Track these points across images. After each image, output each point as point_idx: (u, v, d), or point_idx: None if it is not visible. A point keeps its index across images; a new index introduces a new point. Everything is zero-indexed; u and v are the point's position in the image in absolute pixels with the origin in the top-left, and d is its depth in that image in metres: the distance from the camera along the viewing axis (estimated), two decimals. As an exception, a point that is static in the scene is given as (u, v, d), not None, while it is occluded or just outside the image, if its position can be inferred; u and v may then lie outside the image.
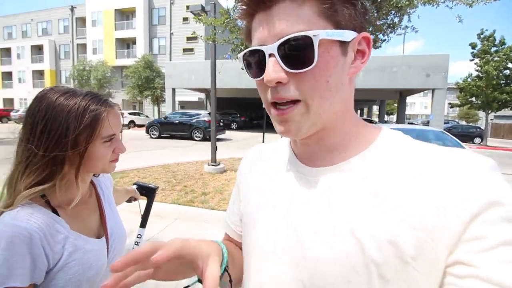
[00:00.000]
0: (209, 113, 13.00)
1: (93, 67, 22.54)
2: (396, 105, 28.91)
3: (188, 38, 25.45)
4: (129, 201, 1.29)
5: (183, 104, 26.02)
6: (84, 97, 0.66)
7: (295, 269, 0.39)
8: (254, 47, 0.38)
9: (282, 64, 0.35)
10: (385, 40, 5.09)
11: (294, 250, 0.40)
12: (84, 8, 29.96)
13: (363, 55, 0.39)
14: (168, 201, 3.94)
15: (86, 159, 0.66)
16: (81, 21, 31.08)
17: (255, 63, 0.39)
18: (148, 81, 21.21)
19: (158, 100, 22.19)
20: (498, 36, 15.34)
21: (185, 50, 26.39)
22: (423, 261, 0.31)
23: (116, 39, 28.76)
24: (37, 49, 32.61)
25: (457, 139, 4.65)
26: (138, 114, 21.79)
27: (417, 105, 56.20)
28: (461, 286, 0.29)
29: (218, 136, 14.22)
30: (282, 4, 0.35)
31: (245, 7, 0.38)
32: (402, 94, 19.72)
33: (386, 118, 39.33)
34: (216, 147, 5.82)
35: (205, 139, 12.13)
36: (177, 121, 13.12)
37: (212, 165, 5.72)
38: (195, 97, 24.03)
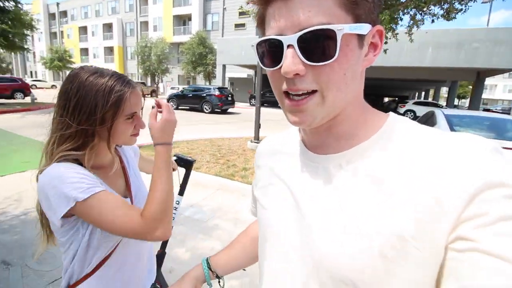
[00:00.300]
0: (219, 88, 14.33)
1: (153, 44, 24.20)
2: (470, 87, 24.76)
3: (240, 13, 25.20)
4: None
5: (233, 81, 26.51)
6: (110, 77, 0.74)
7: (304, 266, 0.42)
8: (271, 36, 0.37)
9: (301, 56, 0.35)
10: (461, 10, 4.32)
11: (303, 246, 0.42)
12: (147, -15, 31.66)
13: (375, 48, 0.40)
14: (212, 173, 4.22)
15: (112, 133, 0.75)
16: (144, -1, 33.08)
17: (270, 52, 0.38)
18: (201, 57, 22.02)
19: (209, 76, 23.03)
20: None
21: (236, 25, 26.34)
22: (423, 239, 0.32)
23: (174, 16, 30.02)
24: (108, 27, 36.09)
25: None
26: (191, 89, 23.02)
27: (499, 88, 47.30)
28: (461, 260, 0.29)
29: (229, 110, 15.20)
30: None
31: None
32: (480, 75, 16.77)
33: (456, 102, 34.16)
34: (260, 124, 5.90)
35: (213, 111, 13.59)
36: (190, 95, 14.40)
37: (255, 142, 5.86)
38: (244, 73, 24.23)
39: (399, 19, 5.09)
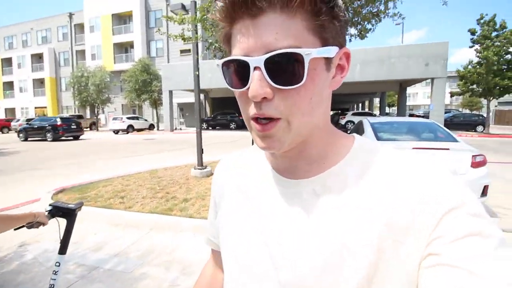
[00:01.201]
0: (61, 118, 16.31)
1: (91, 73, 22.55)
2: (397, 96, 28.44)
3: (185, 39, 25.34)
4: (31, 227, 1.15)
5: (182, 106, 25.99)
6: None
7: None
8: (237, 57, 0.35)
9: (269, 79, 0.34)
10: (370, 29, 4.87)
11: (277, 271, 0.40)
12: (82, 14, 30.09)
13: (343, 70, 0.40)
14: (146, 210, 3.80)
15: None
16: (80, 27, 31.28)
17: (236, 73, 0.37)
18: (146, 85, 21.18)
19: (156, 103, 22.16)
20: (499, 20, 14.81)
21: (182, 51, 26.31)
22: (400, 262, 0.33)
23: (114, 43, 28.86)
24: (37, 58, 32.97)
25: (448, 130, 4.42)
26: (137, 118, 21.82)
27: (419, 95, 55.13)
28: (429, 275, 0.31)
29: (76, 135, 16.48)
30: (271, 14, 0.33)
31: (226, 10, 0.35)
32: (402, 85, 19.29)
33: (387, 110, 38.66)
34: (202, 150, 5.68)
35: (56, 139, 15.20)
36: (36, 126, 15.90)
37: (198, 169, 5.58)
38: (193, 98, 23.91)
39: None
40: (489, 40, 14.71)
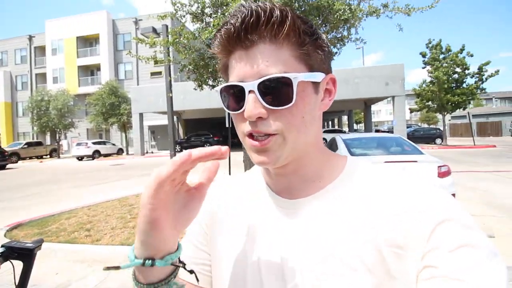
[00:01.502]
0: None
1: (53, 96, 21.22)
2: (363, 114, 30.26)
3: (155, 62, 25.16)
4: None
5: (153, 129, 25.24)
6: None
7: None
8: (234, 82, 0.40)
9: (262, 101, 0.38)
10: (336, 53, 5.21)
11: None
12: (44, 36, 28.81)
13: (330, 94, 0.44)
14: (116, 243, 3.48)
15: None
16: (40, 50, 29.79)
17: (234, 97, 0.41)
18: (114, 108, 20.35)
19: (125, 127, 21.28)
20: (444, 44, 16.75)
21: (153, 73, 25.98)
22: (403, 274, 0.35)
23: (79, 66, 27.78)
24: (-10, 82, 30.44)
25: (413, 144, 4.73)
26: (104, 143, 20.71)
27: (382, 112, 59.50)
28: (426, 287, 0.33)
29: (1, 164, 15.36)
30: (262, 46, 0.38)
31: (223, 44, 0.40)
32: (366, 103, 20.66)
33: (355, 127, 40.98)
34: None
35: None
36: None
37: (174, 193, 5.31)
38: (165, 120, 23.35)
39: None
40: (438, 62, 16.49)
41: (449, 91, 16.58)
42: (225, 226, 0.50)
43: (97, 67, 27.70)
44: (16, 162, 18.67)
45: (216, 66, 3.84)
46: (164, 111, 19.59)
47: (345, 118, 39.26)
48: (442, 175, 3.69)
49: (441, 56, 16.73)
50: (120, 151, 21.33)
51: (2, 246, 1.10)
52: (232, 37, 0.38)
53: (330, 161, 0.46)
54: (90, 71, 28.47)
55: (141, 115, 19.11)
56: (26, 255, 1.11)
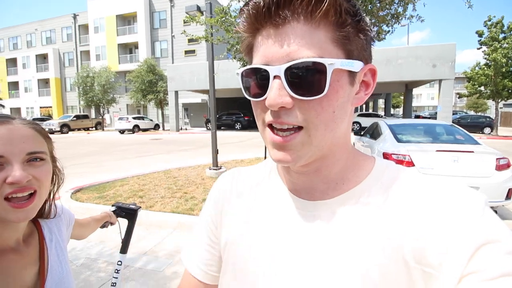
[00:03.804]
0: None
1: (96, 73, 22.65)
2: (402, 97, 28.28)
3: (190, 40, 25.44)
4: (104, 226, 1.16)
5: (187, 106, 26.03)
6: None
7: None
8: (257, 65, 0.35)
9: (288, 89, 0.33)
10: (389, 31, 4.86)
11: None
12: (87, 15, 30.23)
13: (367, 87, 0.38)
14: (167, 210, 3.82)
15: None
16: (84, 28, 31.38)
17: (256, 82, 0.36)
18: (151, 85, 21.23)
19: (161, 104, 22.21)
20: (506, 22, 14.75)
21: (187, 52, 26.37)
22: None
23: (119, 44, 28.93)
24: (42, 58, 33.09)
25: (468, 133, 4.38)
26: (142, 118, 21.87)
27: (423, 96, 55.05)
28: None
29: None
30: (295, 24, 0.32)
31: (250, 20, 0.35)
32: (408, 86, 19.25)
33: (392, 111, 38.61)
34: (217, 150, 5.69)
35: None
36: None
37: (214, 169, 5.59)
38: (198, 98, 24.00)
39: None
40: (497, 42, 14.64)
41: (507, 76, 14.79)
42: (234, 219, 0.47)
43: (135, 45, 28.68)
44: (67, 132, 20.61)
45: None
46: (198, 90, 20.06)
47: (381, 102, 37.05)
48: (500, 168, 3.43)
49: (501, 36, 14.80)
50: (156, 127, 22.46)
51: (113, 205, 1.29)
52: (261, 12, 0.33)
53: (357, 162, 0.41)
54: (129, 49, 29.59)
55: (176, 93, 19.74)
56: (131, 215, 1.30)
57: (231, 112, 21.42)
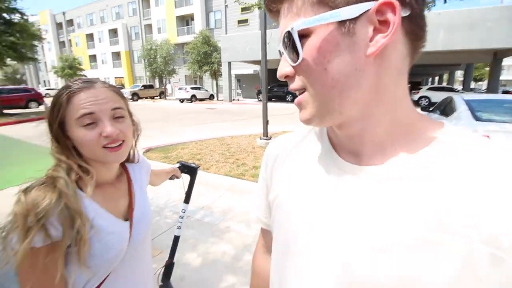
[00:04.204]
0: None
1: (159, 46, 24.30)
2: (487, 69, 23.67)
3: (243, 9, 24.98)
4: (171, 178, 1.37)
5: (239, 77, 26.39)
6: (67, 84, 0.67)
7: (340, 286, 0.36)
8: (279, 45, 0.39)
9: (288, 59, 0.37)
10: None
11: (339, 268, 0.36)
12: (148, -12, 31.79)
13: (387, 26, 0.32)
14: (221, 173, 4.16)
15: (77, 146, 0.66)
16: (146, 2, 33.22)
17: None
18: (206, 56, 21.93)
19: (216, 74, 22.95)
20: None
21: (240, 22, 26.08)
22: (498, 280, 0.28)
23: (177, 16, 30.04)
24: (113, 33, 36.54)
25: None
26: (199, 88, 23.07)
27: (517, 67, 45.21)
28: None
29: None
30: (287, 2, 0.37)
31: (268, 7, 0.40)
32: (497, 55, 15.97)
33: (472, 85, 32.86)
34: (268, 121, 5.79)
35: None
36: None
37: (264, 139, 5.76)
38: (250, 69, 24.04)
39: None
40: None
41: None
42: (283, 181, 0.48)
43: (191, 17, 29.41)
44: (137, 100, 23.11)
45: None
46: (250, 60, 20.04)
47: (459, 74, 31.72)
48: None
49: None
50: (211, 97, 23.53)
51: (178, 162, 1.50)
52: None
53: (415, 125, 0.37)
54: (185, 21, 30.56)
55: (229, 64, 20.06)
56: (192, 171, 1.50)
57: (282, 83, 21.03)
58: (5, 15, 10.83)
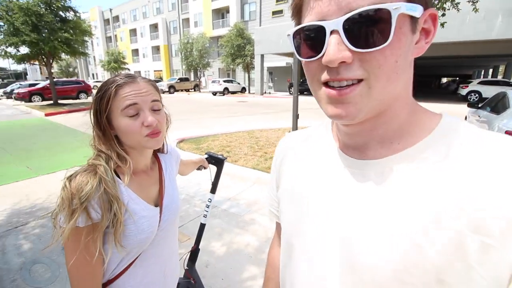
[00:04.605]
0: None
1: (195, 39, 25.02)
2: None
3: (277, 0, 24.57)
4: (199, 169, 1.43)
5: (271, 70, 26.19)
6: (112, 78, 0.73)
7: (345, 275, 0.38)
8: (312, 22, 0.33)
9: (347, 42, 0.31)
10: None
11: (342, 254, 0.38)
12: (187, -17, 32.65)
13: (428, 35, 0.35)
14: (249, 166, 4.23)
15: (121, 134, 0.73)
16: (185, -4, 34.25)
17: (309, 41, 0.34)
18: (240, 49, 22.08)
19: (248, 68, 23.05)
20: None
21: (274, 13, 25.69)
22: (489, 268, 0.29)
23: (213, 10, 30.52)
24: (154, 28, 38.38)
25: None
26: (231, 81, 23.40)
27: None
28: None
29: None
30: None
31: None
32: None
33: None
34: (298, 115, 5.70)
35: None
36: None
37: (293, 133, 5.69)
38: (283, 62, 23.70)
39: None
40: None
41: None
42: (290, 177, 0.49)
43: (227, 10, 29.65)
44: (173, 93, 24.21)
45: None
46: (283, 53, 19.76)
47: (501, 68, 27.96)
48: None
49: None
50: (243, 90, 23.77)
51: (206, 153, 1.55)
52: None
53: (419, 119, 0.38)
54: (221, 13, 30.92)
55: (262, 56, 19.98)
56: (219, 163, 1.54)
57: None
58: (61, 13, 11.92)
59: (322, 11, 0.32)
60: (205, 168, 1.46)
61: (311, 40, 0.34)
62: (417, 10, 0.32)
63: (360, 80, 0.33)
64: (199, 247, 1.67)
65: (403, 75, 0.34)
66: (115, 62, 29.87)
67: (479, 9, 4.99)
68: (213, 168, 1.53)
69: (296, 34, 0.36)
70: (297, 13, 0.37)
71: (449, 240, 0.30)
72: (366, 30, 0.31)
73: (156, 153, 0.90)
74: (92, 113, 0.74)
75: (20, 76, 39.97)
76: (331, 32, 0.32)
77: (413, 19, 0.32)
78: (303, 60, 0.37)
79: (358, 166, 0.39)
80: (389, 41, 0.30)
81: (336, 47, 0.31)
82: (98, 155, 0.72)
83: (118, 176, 0.73)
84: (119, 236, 0.68)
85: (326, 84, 0.35)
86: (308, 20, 0.34)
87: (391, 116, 0.37)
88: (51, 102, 13.68)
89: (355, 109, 0.34)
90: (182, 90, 25.84)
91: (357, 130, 0.39)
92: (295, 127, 5.75)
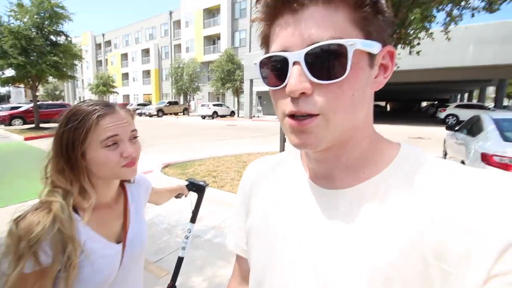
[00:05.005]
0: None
1: (186, 64, 25.60)
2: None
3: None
4: (178, 197, 1.36)
5: (260, 95, 26.81)
6: (88, 107, 0.69)
7: None
8: (276, 52, 0.35)
9: (308, 74, 0.33)
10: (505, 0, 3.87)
11: (317, 283, 0.38)
12: (180, 11, 33.99)
13: (386, 70, 0.38)
14: (236, 191, 4.13)
15: (95, 166, 0.68)
16: (177, 23, 35.46)
17: (274, 70, 0.36)
18: (229, 74, 22.67)
19: (237, 92, 23.53)
20: None
21: (263, 40, 26.89)
22: None
23: (204, 36, 31.65)
24: (146, 52, 39.20)
25: None
26: (220, 105, 23.71)
27: None
28: None
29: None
30: (313, 8, 0.32)
31: (267, 9, 0.35)
32: (536, 71, 14.88)
33: (506, 102, 30.66)
34: (285, 138, 5.73)
35: None
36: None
37: (281, 157, 5.69)
38: (272, 87, 24.38)
39: (432, 17, 4.73)
40: None
41: None
42: (260, 207, 0.49)
43: (218, 36, 30.82)
44: (161, 116, 24.16)
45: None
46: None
47: (491, 90, 29.83)
48: None
49: None
50: (232, 113, 24.06)
51: (187, 180, 1.49)
52: None
53: (379, 148, 0.40)
54: (212, 40, 32.07)
55: (251, 81, 20.53)
56: (200, 190, 1.47)
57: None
58: (52, 37, 11.99)
59: (287, 41, 0.34)
60: (185, 196, 1.40)
61: (276, 70, 0.36)
62: (374, 47, 0.33)
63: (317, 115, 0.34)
64: (176, 284, 1.55)
65: (361, 108, 0.36)
66: (104, 86, 29.90)
67: (451, 38, 5.37)
68: (194, 196, 1.47)
69: (262, 63, 0.38)
70: (265, 42, 0.39)
71: (415, 271, 0.31)
72: (326, 63, 0.32)
73: (122, 183, 0.85)
74: (59, 145, 0.69)
75: (3, 98, 39.15)
76: (294, 63, 0.33)
77: (371, 55, 0.34)
78: (269, 88, 0.38)
79: (328, 196, 0.40)
80: (346, 74, 0.32)
81: (297, 78, 0.33)
82: (54, 191, 0.67)
83: (77, 212, 0.67)
84: (71, 281, 0.61)
85: (291, 116, 0.35)
86: (274, 50, 0.35)
87: (353, 145, 0.38)
88: (33, 125, 13.32)
89: (316, 138, 0.35)
90: (171, 114, 25.89)
91: (323, 157, 0.40)
92: (282, 150, 5.76)
